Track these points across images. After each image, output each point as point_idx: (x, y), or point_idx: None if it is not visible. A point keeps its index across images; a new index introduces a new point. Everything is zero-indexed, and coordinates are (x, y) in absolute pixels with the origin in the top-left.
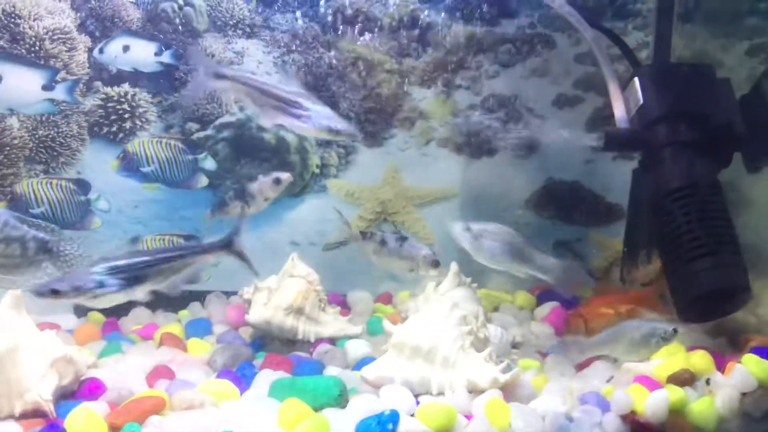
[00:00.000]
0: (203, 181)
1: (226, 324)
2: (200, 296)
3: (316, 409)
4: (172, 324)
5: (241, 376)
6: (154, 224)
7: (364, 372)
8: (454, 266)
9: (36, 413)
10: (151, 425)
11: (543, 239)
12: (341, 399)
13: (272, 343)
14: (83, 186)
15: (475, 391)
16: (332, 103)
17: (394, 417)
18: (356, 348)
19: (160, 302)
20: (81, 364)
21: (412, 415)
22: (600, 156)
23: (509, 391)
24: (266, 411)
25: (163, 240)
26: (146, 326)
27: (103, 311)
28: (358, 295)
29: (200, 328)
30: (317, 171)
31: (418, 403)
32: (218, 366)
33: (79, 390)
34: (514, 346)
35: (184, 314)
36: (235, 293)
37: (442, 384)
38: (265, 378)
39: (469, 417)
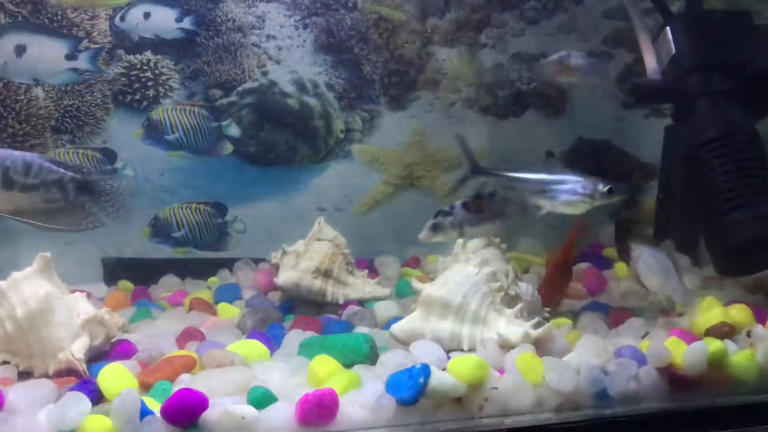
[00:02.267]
0: (228, 148)
1: (255, 289)
2: (229, 263)
3: (347, 366)
4: (201, 290)
5: (270, 336)
6: (181, 192)
7: (394, 329)
8: None
9: (69, 372)
10: (181, 383)
11: None
12: (371, 355)
13: (301, 306)
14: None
15: (506, 346)
16: (355, 67)
17: (425, 370)
18: (385, 309)
19: (190, 270)
20: (112, 326)
21: (444, 370)
22: (631, 114)
23: (542, 347)
24: (296, 368)
25: (190, 207)
26: (175, 293)
27: (133, 279)
28: (385, 260)
29: (229, 293)
30: (341, 136)
31: (449, 358)
32: (248, 328)
33: (111, 351)
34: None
35: (214, 281)
36: (263, 260)
37: (473, 340)
38: (295, 338)
39: (501, 372)
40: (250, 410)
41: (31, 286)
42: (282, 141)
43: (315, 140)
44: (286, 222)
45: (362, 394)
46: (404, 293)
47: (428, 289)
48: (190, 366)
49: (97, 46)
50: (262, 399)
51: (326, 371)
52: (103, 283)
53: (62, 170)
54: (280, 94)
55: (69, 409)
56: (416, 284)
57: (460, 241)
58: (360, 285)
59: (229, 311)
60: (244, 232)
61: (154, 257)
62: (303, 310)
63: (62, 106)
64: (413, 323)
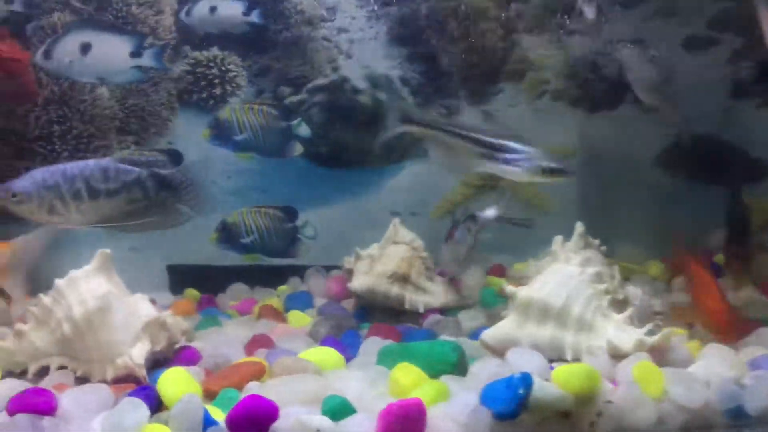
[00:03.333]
0: (298, 148)
1: (328, 297)
2: (298, 271)
3: (432, 377)
4: (271, 298)
5: (345, 345)
6: (249, 196)
7: (485, 336)
8: (579, 227)
9: (128, 379)
10: (249, 391)
11: (677, 204)
12: (459, 366)
13: (376, 314)
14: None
15: (616, 356)
16: (431, 59)
17: (526, 380)
18: (471, 318)
19: (258, 278)
20: (175, 330)
21: (547, 380)
22: (741, 104)
23: (658, 357)
24: (375, 378)
25: (259, 212)
26: (244, 301)
27: (199, 287)
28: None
29: (300, 301)
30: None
31: (551, 368)
32: (320, 336)
33: (174, 358)
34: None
35: (284, 289)
36: (334, 267)
37: (578, 348)
38: (373, 346)
39: (613, 384)
40: (325, 421)
41: (90, 284)
42: (353, 140)
43: (390, 139)
44: (358, 227)
45: (453, 406)
46: (490, 303)
47: (525, 291)
48: (258, 373)
49: (162, 42)
50: (338, 409)
51: (410, 381)
52: (169, 291)
53: (137, 169)
54: (351, 90)
55: (125, 417)
56: (508, 288)
57: (558, 237)
58: (441, 292)
59: (301, 319)
60: (315, 238)
61: (221, 264)
62: (379, 318)
63: (127, 105)
64: (506, 329)
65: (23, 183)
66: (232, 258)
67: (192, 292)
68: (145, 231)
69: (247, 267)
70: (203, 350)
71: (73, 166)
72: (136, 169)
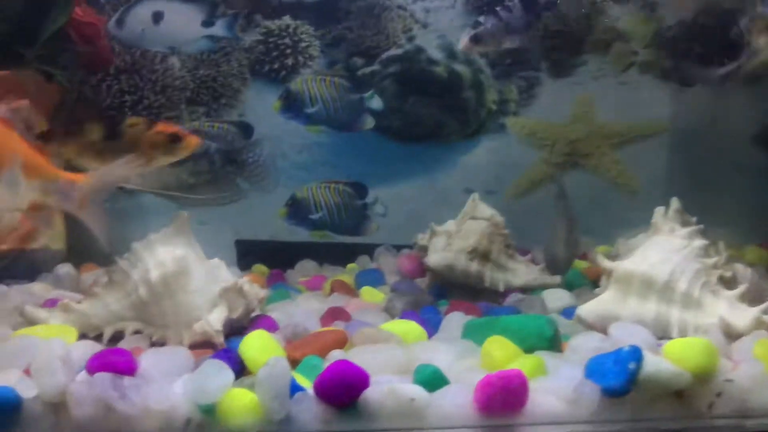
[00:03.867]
0: (369, 122)
1: (400, 275)
2: (367, 249)
3: (525, 352)
4: (341, 275)
5: (425, 320)
6: (318, 170)
7: (582, 311)
8: (675, 202)
9: (205, 345)
10: (333, 359)
11: None
12: (554, 342)
13: (454, 292)
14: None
15: (731, 335)
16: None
17: (635, 354)
18: (556, 298)
19: (326, 255)
20: (252, 298)
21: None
22: None
23: None
24: (463, 351)
25: (329, 187)
26: (313, 278)
27: (267, 263)
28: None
29: (372, 278)
30: (494, 108)
31: (659, 345)
32: (396, 311)
33: (250, 327)
34: None
35: (353, 267)
36: (404, 247)
37: (685, 325)
38: (456, 321)
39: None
40: (419, 392)
41: (167, 247)
42: (428, 114)
43: (464, 113)
44: (430, 205)
45: (554, 380)
46: (575, 284)
47: (626, 265)
48: (340, 342)
49: (234, 11)
50: (431, 379)
51: (504, 354)
52: (236, 266)
53: (207, 141)
54: (426, 61)
55: (209, 380)
56: (604, 262)
57: (660, 209)
58: (523, 271)
59: (374, 295)
60: (385, 215)
61: (289, 240)
62: (456, 296)
63: (198, 76)
64: (606, 305)
65: None
66: (300, 234)
67: (260, 268)
68: (200, 205)
69: (315, 244)
70: (279, 321)
71: None
72: (206, 141)
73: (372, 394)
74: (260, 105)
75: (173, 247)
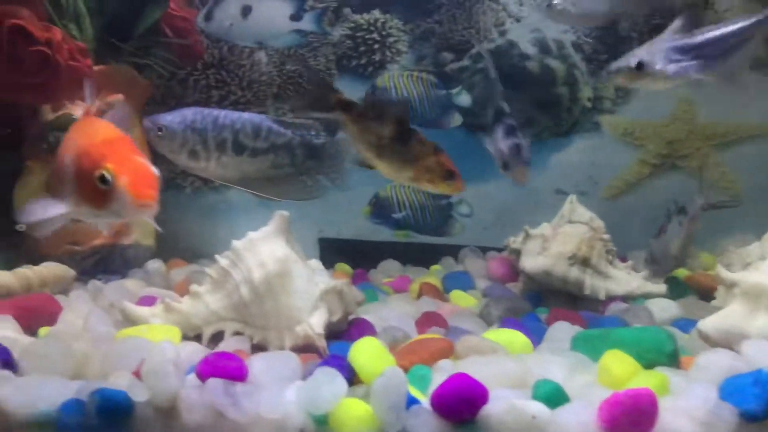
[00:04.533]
0: (457, 119)
1: (489, 278)
2: (450, 251)
3: (644, 368)
4: (427, 277)
5: (527, 328)
6: None
7: (704, 327)
8: None
9: (306, 349)
10: (441, 370)
11: None
12: (673, 357)
13: (550, 298)
14: None
15: None
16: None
17: None
18: (664, 308)
19: (408, 255)
20: (350, 301)
21: None
22: None
23: None
24: (574, 365)
25: (413, 187)
26: (398, 279)
27: (349, 262)
28: (640, 254)
29: (460, 281)
30: (589, 105)
31: None
32: (493, 318)
33: (348, 330)
34: None
35: (436, 268)
36: (491, 249)
37: None
38: (561, 331)
39: None
40: (541, 409)
41: (269, 247)
42: (518, 111)
43: (557, 110)
44: (518, 206)
45: (686, 400)
46: (677, 293)
47: (755, 277)
48: (447, 351)
49: (323, 5)
50: (552, 396)
51: (624, 370)
52: None
53: (290, 133)
54: (519, 56)
55: (322, 389)
56: (725, 273)
57: None
58: (625, 278)
59: (465, 300)
60: (470, 216)
61: (372, 240)
62: (553, 303)
63: (285, 71)
64: (732, 320)
65: (172, 118)
66: (383, 233)
67: (344, 267)
68: (276, 199)
69: (398, 244)
70: (374, 324)
71: (226, 115)
72: (289, 132)
73: (492, 409)
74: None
75: (275, 247)
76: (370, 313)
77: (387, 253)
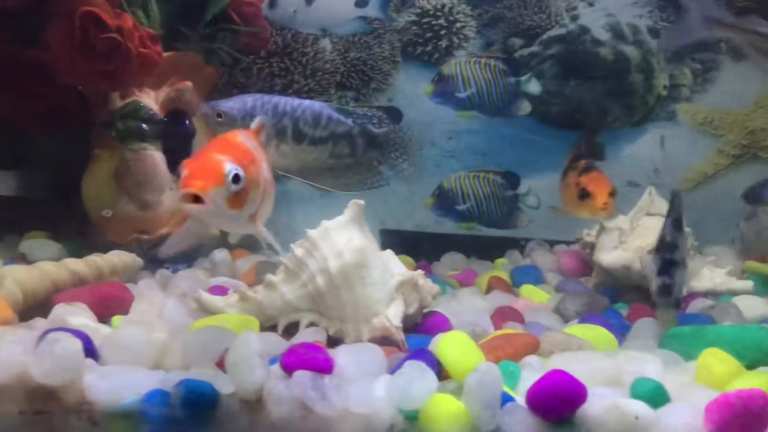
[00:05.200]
0: (526, 107)
1: (559, 272)
2: (517, 243)
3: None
4: (493, 271)
5: (610, 324)
6: (468, 159)
7: None
8: None
9: (384, 341)
10: (530, 366)
11: None
12: None
13: (627, 294)
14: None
15: None
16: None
17: None
18: (752, 306)
19: (472, 247)
20: (426, 293)
21: None
22: None
23: None
24: (667, 363)
25: (478, 177)
26: (463, 272)
27: (411, 254)
28: (717, 250)
29: (530, 275)
30: (664, 93)
31: None
32: (570, 314)
33: (423, 323)
34: None
35: (502, 262)
36: (557, 242)
37: None
38: (648, 328)
39: None
40: (644, 409)
41: (345, 236)
42: (590, 99)
43: (631, 98)
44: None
45: None
46: (761, 290)
47: None
48: (533, 346)
49: None
50: (653, 395)
51: (725, 370)
52: None
53: (351, 122)
54: (591, 42)
55: (413, 384)
56: None
57: None
58: (707, 274)
59: (537, 294)
60: (538, 207)
61: (435, 232)
62: (630, 299)
63: (348, 59)
64: None
65: (232, 105)
66: (446, 225)
67: (407, 259)
68: (333, 190)
69: (460, 236)
70: (450, 318)
71: (286, 102)
72: (350, 121)
73: (590, 409)
74: (410, 89)
75: (351, 237)
76: (440, 307)
77: (449, 245)
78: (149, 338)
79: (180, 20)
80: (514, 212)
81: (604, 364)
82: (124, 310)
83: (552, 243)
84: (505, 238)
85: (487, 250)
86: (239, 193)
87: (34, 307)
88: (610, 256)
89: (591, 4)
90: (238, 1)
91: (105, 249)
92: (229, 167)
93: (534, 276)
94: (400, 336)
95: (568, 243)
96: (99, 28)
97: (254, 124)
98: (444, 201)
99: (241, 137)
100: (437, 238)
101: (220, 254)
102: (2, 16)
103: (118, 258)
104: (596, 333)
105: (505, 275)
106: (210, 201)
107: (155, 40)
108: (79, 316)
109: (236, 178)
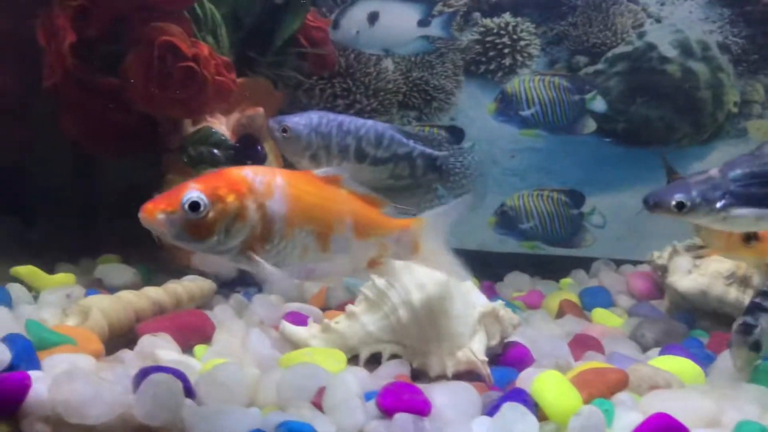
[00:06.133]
0: (590, 125)
1: (630, 295)
2: (581, 263)
3: None
4: (560, 293)
5: (693, 355)
6: (532, 177)
7: None
8: None
9: (469, 375)
10: (623, 404)
11: None
12: None
13: (703, 319)
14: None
15: None
16: (762, 21)
17: None
18: None
19: (535, 267)
20: (506, 324)
21: None
22: None
23: None
24: (763, 401)
25: (542, 195)
26: (529, 293)
27: (478, 274)
28: None
29: (599, 297)
30: (735, 110)
31: None
32: (648, 341)
33: (504, 354)
34: None
35: (567, 282)
36: (624, 262)
37: None
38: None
39: None
40: None
41: (426, 268)
42: (657, 117)
43: (699, 115)
44: (654, 217)
45: None
46: None
47: None
48: (623, 383)
49: (452, 9)
50: None
51: None
52: None
53: (413, 143)
54: (658, 59)
55: (513, 426)
56: None
57: None
58: None
59: (609, 319)
60: (603, 226)
61: (497, 251)
62: (706, 325)
63: (411, 79)
64: None
65: (298, 120)
66: (508, 244)
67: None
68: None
69: (523, 255)
70: (530, 349)
71: (351, 121)
72: (411, 143)
73: None
74: (473, 108)
75: (433, 269)
76: (515, 334)
77: (511, 264)
78: (244, 376)
79: (248, 46)
80: (579, 231)
81: (702, 404)
82: (205, 338)
83: (618, 262)
84: (569, 257)
85: (551, 269)
86: (202, 221)
87: (119, 335)
88: (685, 280)
89: (658, 21)
90: (307, 26)
91: (176, 273)
92: (189, 195)
93: (604, 298)
94: (486, 370)
95: (634, 263)
96: (176, 57)
97: (327, 173)
98: (507, 220)
99: (250, 171)
100: (500, 258)
101: None
102: (83, 45)
103: (196, 285)
104: (681, 365)
105: (573, 297)
106: (159, 224)
107: (230, 67)
108: (166, 349)
109: (194, 206)
